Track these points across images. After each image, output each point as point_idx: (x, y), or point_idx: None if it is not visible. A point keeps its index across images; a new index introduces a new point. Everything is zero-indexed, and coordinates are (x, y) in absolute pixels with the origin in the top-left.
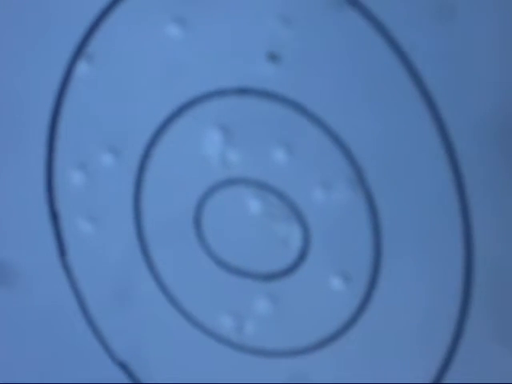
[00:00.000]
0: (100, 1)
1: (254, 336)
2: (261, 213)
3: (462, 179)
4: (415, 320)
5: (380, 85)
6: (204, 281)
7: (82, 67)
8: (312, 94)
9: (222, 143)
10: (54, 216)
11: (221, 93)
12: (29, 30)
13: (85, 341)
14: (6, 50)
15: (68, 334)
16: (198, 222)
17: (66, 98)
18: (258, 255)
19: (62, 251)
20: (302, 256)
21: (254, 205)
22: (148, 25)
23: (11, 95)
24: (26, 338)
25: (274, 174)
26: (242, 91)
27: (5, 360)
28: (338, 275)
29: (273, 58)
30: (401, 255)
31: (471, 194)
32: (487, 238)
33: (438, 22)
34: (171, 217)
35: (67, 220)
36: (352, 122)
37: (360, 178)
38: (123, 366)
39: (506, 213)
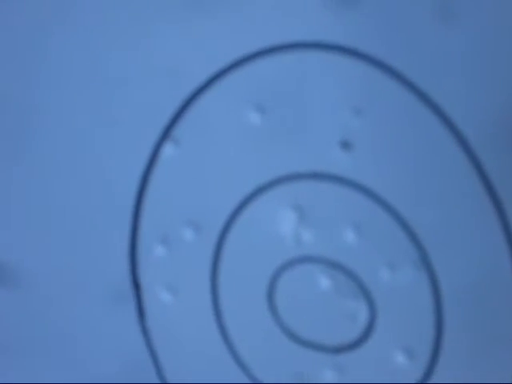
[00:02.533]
0: (187, 88)
1: None
2: (331, 289)
3: None
4: None
5: (444, 172)
6: (275, 351)
7: (167, 149)
8: (381, 180)
9: (296, 223)
10: (136, 286)
11: (297, 176)
12: (121, 113)
13: None
14: (98, 130)
15: None
16: (271, 296)
17: (152, 177)
18: (327, 329)
19: (142, 320)
20: (368, 331)
21: (325, 281)
22: (230, 111)
23: (101, 172)
24: None
25: (344, 253)
26: (317, 176)
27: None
28: (401, 351)
29: (345, 145)
30: (461, 333)
31: None
32: None
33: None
34: (246, 290)
35: (148, 289)
36: (417, 207)
37: (424, 260)
38: None
39: None
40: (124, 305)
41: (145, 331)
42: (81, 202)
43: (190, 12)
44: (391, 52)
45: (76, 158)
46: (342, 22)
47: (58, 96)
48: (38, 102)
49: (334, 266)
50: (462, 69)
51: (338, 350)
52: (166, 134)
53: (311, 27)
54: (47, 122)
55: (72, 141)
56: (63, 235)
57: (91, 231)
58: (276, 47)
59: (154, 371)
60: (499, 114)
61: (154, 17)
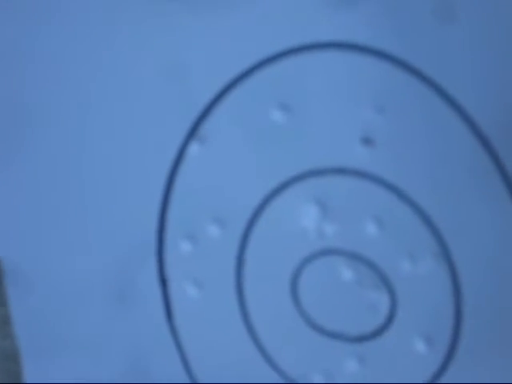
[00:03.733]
0: (212, 88)
1: None
2: (353, 281)
3: None
4: (492, 379)
5: (462, 166)
6: (298, 341)
7: (193, 147)
8: (401, 174)
9: (318, 217)
10: (163, 282)
11: (319, 172)
12: (147, 112)
13: None
14: (124, 128)
15: None
16: (294, 288)
17: (178, 175)
18: (349, 319)
19: (169, 315)
20: (389, 320)
21: (347, 273)
22: (255, 110)
23: (128, 171)
24: None
25: (366, 245)
26: (339, 171)
27: None
28: (421, 339)
29: (367, 141)
30: (480, 322)
31: None
32: None
33: None
34: (270, 282)
35: (175, 284)
36: (437, 200)
37: (444, 251)
38: None
39: None
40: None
41: (172, 327)
42: (106, 197)
43: (214, 10)
44: (411, 51)
45: (102, 155)
46: (361, 21)
47: (76, 91)
48: (55, 94)
49: (355, 257)
50: (473, 64)
51: (360, 339)
52: (192, 132)
53: (333, 27)
54: (63, 116)
55: (97, 139)
56: (84, 234)
57: (119, 228)
58: (299, 47)
59: (182, 365)
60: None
61: (181, 15)
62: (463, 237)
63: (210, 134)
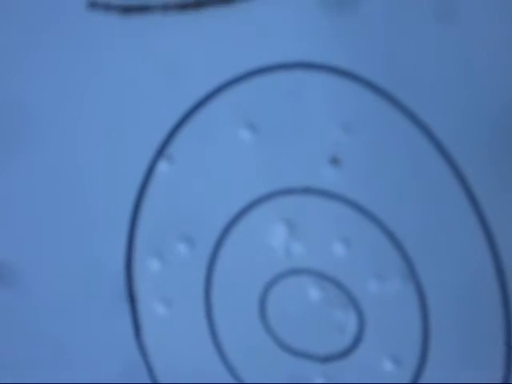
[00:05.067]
0: (180, 107)
1: None
2: (320, 300)
3: (504, 275)
4: None
5: (429, 186)
6: (266, 361)
7: (162, 166)
8: (369, 194)
9: (286, 236)
10: (132, 299)
11: (287, 191)
12: (116, 131)
13: None
14: (92, 147)
15: None
16: (263, 307)
17: (147, 193)
18: (316, 339)
19: (137, 332)
20: (357, 340)
21: (314, 293)
22: (223, 129)
23: (98, 190)
24: None
25: (333, 265)
26: (307, 190)
27: None
28: (389, 359)
29: (334, 161)
30: (447, 341)
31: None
32: None
33: None
34: (239, 301)
35: (143, 302)
36: (404, 220)
37: (411, 271)
38: None
39: None
40: (120, 310)
41: (140, 344)
42: (77, 218)
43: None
44: (382, 73)
45: (73, 173)
46: (336, 42)
47: (56, 115)
48: (36, 115)
49: (323, 277)
50: (452, 88)
51: (328, 359)
52: (160, 151)
53: (304, 47)
54: (46, 133)
55: (70, 156)
56: (60, 249)
57: (88, 246)
58: (268, 67)
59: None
60: (487, 133)
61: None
62: (430, 257)
63: (178, 152)
